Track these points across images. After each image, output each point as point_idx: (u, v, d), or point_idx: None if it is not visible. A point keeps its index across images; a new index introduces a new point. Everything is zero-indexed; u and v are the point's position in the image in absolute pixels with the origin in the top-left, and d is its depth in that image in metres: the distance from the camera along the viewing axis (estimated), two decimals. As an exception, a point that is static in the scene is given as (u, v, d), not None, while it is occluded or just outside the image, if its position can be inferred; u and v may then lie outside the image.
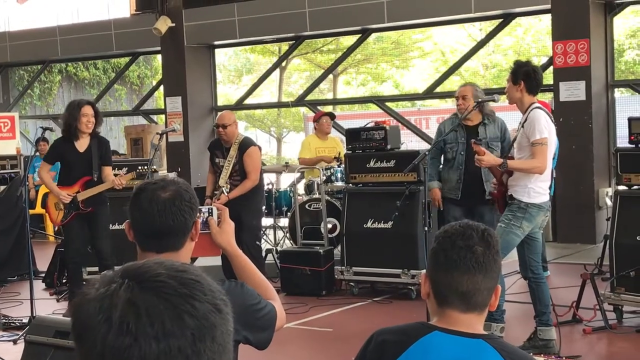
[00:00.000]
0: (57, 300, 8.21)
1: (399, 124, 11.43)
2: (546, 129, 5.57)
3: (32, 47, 16.14)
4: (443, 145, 7.07)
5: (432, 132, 13.81)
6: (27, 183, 7.09)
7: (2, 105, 17.76)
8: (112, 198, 7.54)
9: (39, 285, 8.71)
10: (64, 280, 8.60)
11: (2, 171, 10.37)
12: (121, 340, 1.01)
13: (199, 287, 1.07)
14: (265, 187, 9.58)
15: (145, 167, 7.45)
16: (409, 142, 11.80)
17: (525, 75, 5.64)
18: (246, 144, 7.74)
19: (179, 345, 1.02)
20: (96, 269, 7.54)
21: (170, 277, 1.06)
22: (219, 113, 8.04)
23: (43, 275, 9.07)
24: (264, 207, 8.69)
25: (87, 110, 7.14)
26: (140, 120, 17.21)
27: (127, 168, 8.28)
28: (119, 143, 19.51)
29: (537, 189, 5.65)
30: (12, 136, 15.10)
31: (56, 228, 9.73)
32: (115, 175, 7.31)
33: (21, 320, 7.10)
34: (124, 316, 1.02)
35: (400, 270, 7.60)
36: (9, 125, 15.12)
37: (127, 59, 17.31)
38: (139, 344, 1.01)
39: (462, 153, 6.98)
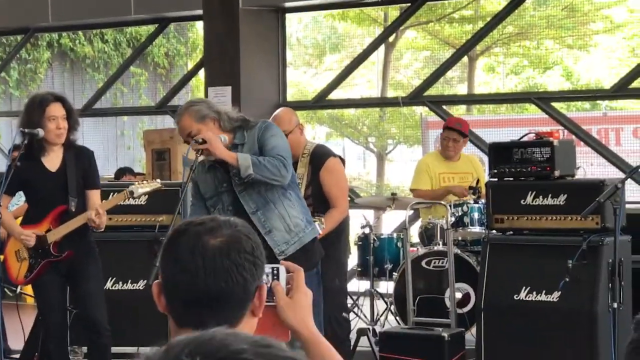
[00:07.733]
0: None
1: (573, 137, 11.38)
2: None
3: (9, 9, 16.60)
4: None
5: (623, 150, 13.60)
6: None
7: (-40, 95, 18.33)
8: (105, 241, 7.69)
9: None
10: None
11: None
12: None
13: None
14: (360, 231, 9.58)
15: (138, 183, 7.36)
16: (587, 166, 11.69)
17: None
18: (320, 155, 7.89)
19: None
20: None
21: (257, 354, 1.15)
22: (274, 114, 8.12)
23: (17, 357, 9.27)
24: (351, 262, 8.62)
25: (55, 110, 7.10)
26: (167, 121, 17.49)
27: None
28: (133, 157, 19.83)
29: None
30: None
31: (19, 288, 9.90)
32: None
33: None
34: None
35: (572, 370, 7.61)
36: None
37: (150, 28, 17.64)
38: None
39: None
